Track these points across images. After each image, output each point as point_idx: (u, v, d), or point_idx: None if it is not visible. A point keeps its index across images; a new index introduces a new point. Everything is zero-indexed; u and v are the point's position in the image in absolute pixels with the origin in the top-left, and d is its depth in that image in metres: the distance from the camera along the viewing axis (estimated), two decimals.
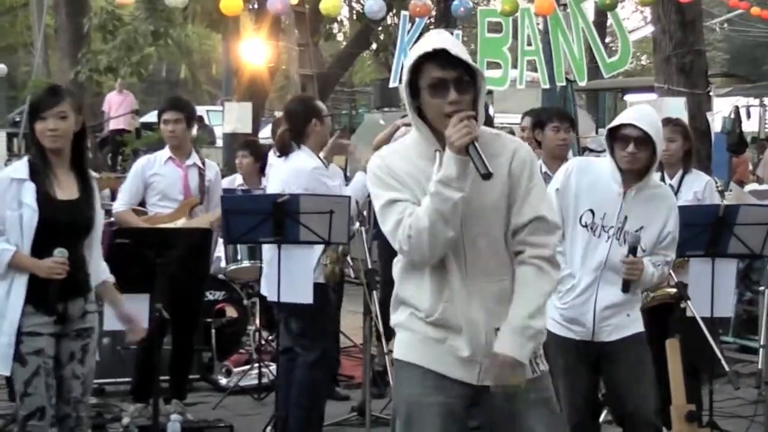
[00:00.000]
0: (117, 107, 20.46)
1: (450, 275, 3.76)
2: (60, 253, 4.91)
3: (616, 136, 5.10)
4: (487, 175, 3.58)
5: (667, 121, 6.75)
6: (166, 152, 7.46)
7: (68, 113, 5.00)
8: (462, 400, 3.83)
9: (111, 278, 5.31)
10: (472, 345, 3.77)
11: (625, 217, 5.09)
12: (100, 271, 5.24)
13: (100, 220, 5.19)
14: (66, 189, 5.05)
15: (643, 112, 5.17)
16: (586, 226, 5.12)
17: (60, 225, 4.97)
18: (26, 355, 4.92)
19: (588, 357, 5.19)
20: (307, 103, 6.86)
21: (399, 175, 3.75)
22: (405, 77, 3.71)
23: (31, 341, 4.93)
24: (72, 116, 5.02)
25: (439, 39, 3.70)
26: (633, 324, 5.18)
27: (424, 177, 3.70)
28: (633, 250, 5.03)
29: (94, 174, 5.35)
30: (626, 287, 5.07)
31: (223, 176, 9.63)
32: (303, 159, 6.53)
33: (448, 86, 3.65)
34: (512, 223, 3.78)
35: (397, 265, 3.90)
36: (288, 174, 6.52)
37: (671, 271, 5.64)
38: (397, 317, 3.92)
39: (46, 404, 4.95)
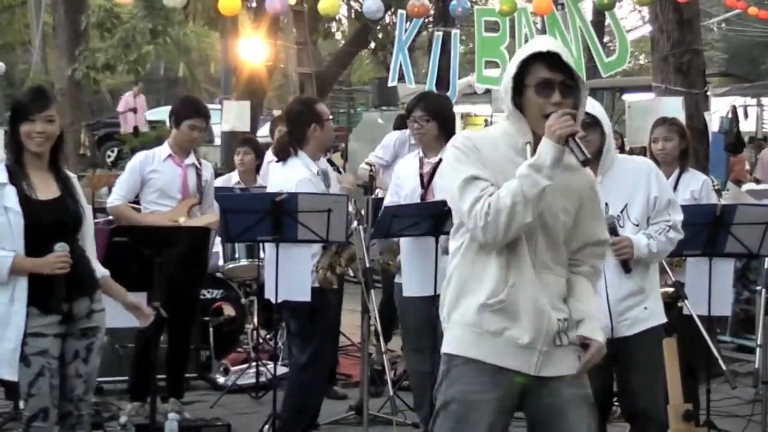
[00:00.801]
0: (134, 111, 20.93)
1: (521, 261, 3.83)
2: (61, 248, 4.90)
3: None
4: (586, 161, 3.73)
5: (663, 121, 6.78)
6: (165, 149, 7.44)
7: (55, 117, 4.99)
8: (514, 395, 3.89)
9: (106, 273, 5.29)
10: (535, 331, 3.83)
11: (605, 204, 5.09)
12: (98, 265, 5.24)
13: (88, 216, 5.18)
14: (45, 189, 5.02)
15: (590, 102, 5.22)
16: None
17: (45, 226, 4.93)
18: (30, 356, 4.91)
19: (607, 355, 5.18)
20: (309, 105, 6.76)
21: (484, 155, 3.85)
22: (511, 70, 3.82)
23: (36, 342, 4.91)
24: (58, 119, 5.02)
25: (552, 43, 3.86)
26: (652, 317, 5.18)
27: (509, 166, 3.79)
28: (613, 231, 5.02)
29: (102, 171, 5.32)
30: (626, 267, 5.09)
31: (221, 175, 9.64)
32: (296, 168, 6.51)
33: (554, 88, 3.78)
34: (577, 238, 3.97)
35: (454, 258, 3.96)
36: (279, 180, 6.54)
37: (669, 270, 5.65)
38: (449, 312, 3.94)
39: (50, 405, 4.94)
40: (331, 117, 6.89)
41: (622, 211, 5.12)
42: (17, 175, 4.98)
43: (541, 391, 3.88)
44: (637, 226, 5.13)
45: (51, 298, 4.91)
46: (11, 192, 4.93)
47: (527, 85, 3.81)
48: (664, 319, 5.23)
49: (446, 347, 3.95)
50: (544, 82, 3.79)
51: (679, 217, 5.24)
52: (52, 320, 4.96)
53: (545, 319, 3.83)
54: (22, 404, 5.05)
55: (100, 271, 5.27)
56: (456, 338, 3.92)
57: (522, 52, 3.85)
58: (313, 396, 6.59)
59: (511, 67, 3.83)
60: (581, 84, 3.85)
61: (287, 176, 6.48)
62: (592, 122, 5.03)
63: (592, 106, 5.08)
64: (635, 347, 5.13)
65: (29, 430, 4.95)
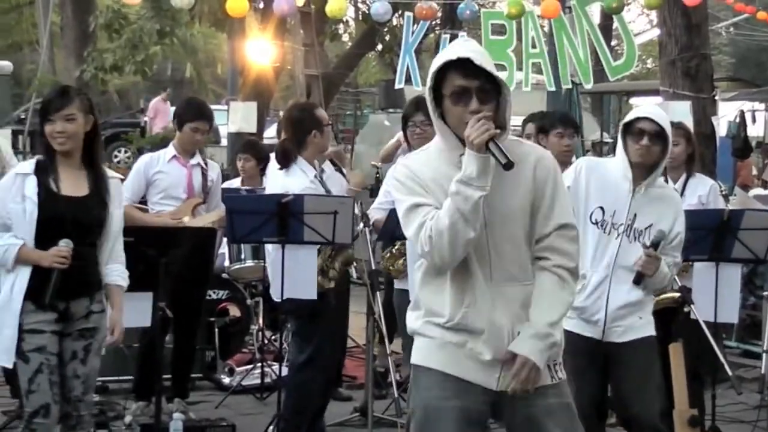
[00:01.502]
0: (163, 115, 21.67)
1: (473, 279, 3.76)
2: (65, 244, 4.93)
3: (630, 131, 5.14)
4: (508, 165, 3.59)
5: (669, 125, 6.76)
6: (170, 150, 7.46)
7: (76, 115, 5.01)
8: (481, 405, 3.83)
9: (120, 283, 5.28)
10: (494, 348, 3.76)
11: (635, 215, 5.13)
12: (111, 272, 5.23)
13: (115, 220, 5.17)
14: (73, 186, 5.06)
15: (657, 109, 5.28)
16: (596, 223, 5.14)
17: (65, 221, 4.98)
18: (28, 353, 4.94)
19: (597, 358, 5.19)
20: (309, 112, 6.80)
21: (423, 181, 3.77)
22: (429, 83, 3.72)
23: (33, 338, 4.95)
24: (81, 117, 5.03)
25: (464, 48, 3.71)
26: (645, 327, 5.19)
27: (448, 182, 3.69)
28: (656, 245, 5.06)
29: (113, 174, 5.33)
30: (638, 280, 5.10)
31: (227, 176, 9.63)
32: (295, 175, 6.55)
33: (471, 95, 3.67)
34: (538, 230, 3.80)
35: (418, 271, 3.91)
36: (280, 189, 6.56)
37: (675, 276, 5.65)
38: (413, 323, 3.92)
39: (51, 401, 4.97)
40: (330, 123, 6.89)
41: (645, 228, 5.12)
42: (45, 169, 5.04)
43: (516, 403, 3.81)
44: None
45: (44, 293, 4.92)
46: (32, 182, 5.00)
47: (444, 95, 3.71)
48: (653, 332, 5.23)
49: (412, 358, 3.94)
50: (460, 90, 3.67)
51: (680, 258, 5.31)
52: (49, 317, 4.98)
53: (505, 337, 3.76)
54: (23, 401, 5.05)
55: (115, 279, 5.24)
56: (419, 349, 3.90)
57: (436, 62, 3.73)
58: (311, 397, 6.57)
59: (428, 79, 3.73)
60: (503, 86, 3.72)
61: (287, 185, 6.52)
62: (660, 134, 5.09)
63: (665, 120, 5.14)
64: (628, 354, 5.15)
65: (31, 426, 4.98)
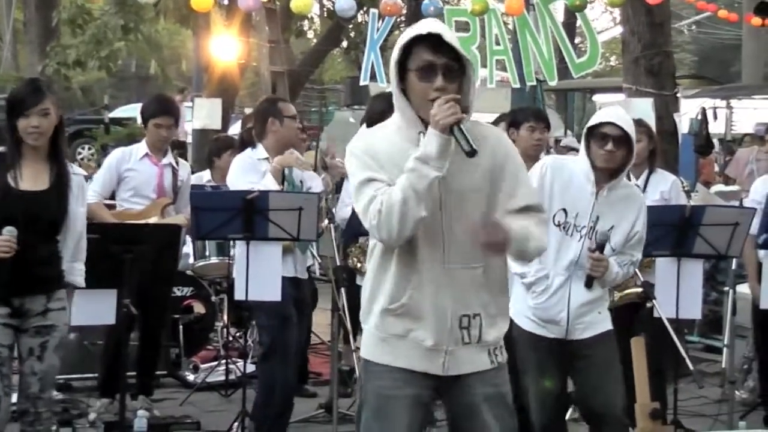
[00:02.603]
0: (181, 118, 20.45)
1: (420, 262, 3.75)
2: (8, 232, 4.88)
3: (593, 135, 5.14)
4: (471, 153, 3.58)
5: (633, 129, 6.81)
6: (142, 148, 7.44)
7: (51, 110, 5.00)
8: (428, 390, 3.87)
9: (81, 284, 5.26)
10: (438, 333, 3.78)
11: (597, 217, 5.14)
12: (74, 270, 5.22)
13: (76, 219, 5.14)
14: (33, 180, 5.03)
15: (621, 112, 5.24)
16: (558, 225, 5.15)
17: (17, 215, 4.92)
18: None
19: (560, 356, 5.22)
20: (272, 102, 6.95)
21: (378, 157, 3.74)
22: (395, 56, 3.70)
23: None
24: (53, 112, 5.02)
25: (434, 25, 3.70)
26: (603, 322, 5.23)
27: (404, 159, 3.67)
28: (601, 247, 5.08)
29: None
30: (589, 283, 5.12)
31: (192, 172, 9.61)
32: (243, 154, 6.80)
33: (437, 71, 3.65)
34: (500, 208, 3.78)
35: (371, 258, 3.90)
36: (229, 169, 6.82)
37: (637, 271, 5.69)
38: (363, 316, 3.93)
39: (1, 393, 4.95)
40: (293, 115, 6.85)
41: (608, 230, 5.14)
42: (7, 162, 4.99)
43: (454, 389, 3.86)
44: (614, 251, 5.16)
45: None
46: None
47: (409, 69, 3.69)
48: (611, 326, 5.27)
49: (361, 350, 3.97)
50: (427, 65, 3.65)
51: (640, 255, 5.32)
52: (2, 311, 4.95)
53: (447, 321, 3.77)
54: None
55: (78, 279, 5.23)
56: (365, 344, 3.93)
57: (404, 36, 3.70)
58: (275, 389, 6.57)
59: (395, 53, 3.70)
60: (468, 66, 3.72)
61: (232, 163, 6.79)
62: (624, 138, 5.08)
63: (629, 124, 5.12)
64: (589, 349, 5.19)
65: None
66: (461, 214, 3.75)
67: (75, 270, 5.22)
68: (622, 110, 5.36)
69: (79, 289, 5.31)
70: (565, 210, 5.16)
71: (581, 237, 5.15)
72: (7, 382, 5.01)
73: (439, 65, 3.66)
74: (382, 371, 3.86)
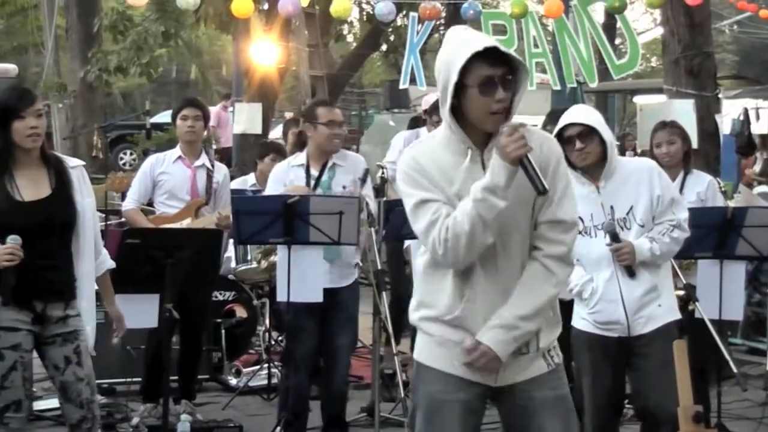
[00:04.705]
0: (225, 123, 20.29)
1: (475, 275, 3.77)
2: (12, 240, 4.86)
3: (561, 142, 5.09)
4: (542, 192, 3.63)
5: (663, 125, 6.80)
6: (176, 151, 7.52)
7: (42, 111, 5.01)
8: (481, 398, 3.89)
9: (108, 265, 5.29)
10: None
11: (611, 207, 5.13)
12: (98, 263, 5.24)
13: (85, 213, 5.10)
14: (35, 188, 5.00)
15: (577, 108, 5.27)
16: (581, 233, 5.13)
17: (27, 228, 4.90)
18: (3, 350, 4.93)
19: (617, 356, 5.20)
20: (310, 106, 6.97)
21: (430, 173, 3.76)
22: (454, 78, 3.66)
23: (9, 336, 4.94)
24: (44, 114, 5.04)
25: (485, 38, 3.73)
26: (666, 314, 5.21)
27: (454, 171, 3.72)
28: (614, 237, 5.08)
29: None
30: (630, 272, 5.12)
31: (233, 176, 9.65)
32: (282, 163, 6.90)
33: (497, 84, 3.67)
34: (536, 214, 3.80)
35: (419, 261, 3.93)
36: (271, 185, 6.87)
37: (680, 272, 5.67)
38: (412, 315, 3.95)
39: (23, 397, 4.98)
40: (330, 120, 6.66)
41: (627, 213, 5.14)
42: (2, 174, 4.96)
43: (511, 395, 3.86)
44: (643, 227, 5.14)
45: (6, 293, 4.90)
46: None
47: (468, 85, 3.68)
48: (678, 315, 5.27)
49: (415, 354, 3.98)
50: (487, 80, 3.66)
51: (683, 215, 5.24)
52: (24, 317, 4.97)
53: None
54: None
55: (100, 267, 5.25)
56: (420, 348, 3.94)
57: (462, 54, 3.66)
58: (288, 391, 6.65)
59: (452, 74, 3.66)
60: (524, 74, 3.73)
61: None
62: (588, 131, 5.07)
63: (588, 114, 5.12)
64: (648, 345, 5.17)
65: (2, 420, 4.96)
66: (512, 228, 3.76)
67: (103, 256, 5.27)
68: (577, 107, 5.39)
69: (121, 294, 5.36)
70: (580, 218, 5.12)
71: (605, 234, 5.16)
72: (29, 386, 5.05)
73: (498, 77, 3.68)
74: (434, 375, 3.87)
